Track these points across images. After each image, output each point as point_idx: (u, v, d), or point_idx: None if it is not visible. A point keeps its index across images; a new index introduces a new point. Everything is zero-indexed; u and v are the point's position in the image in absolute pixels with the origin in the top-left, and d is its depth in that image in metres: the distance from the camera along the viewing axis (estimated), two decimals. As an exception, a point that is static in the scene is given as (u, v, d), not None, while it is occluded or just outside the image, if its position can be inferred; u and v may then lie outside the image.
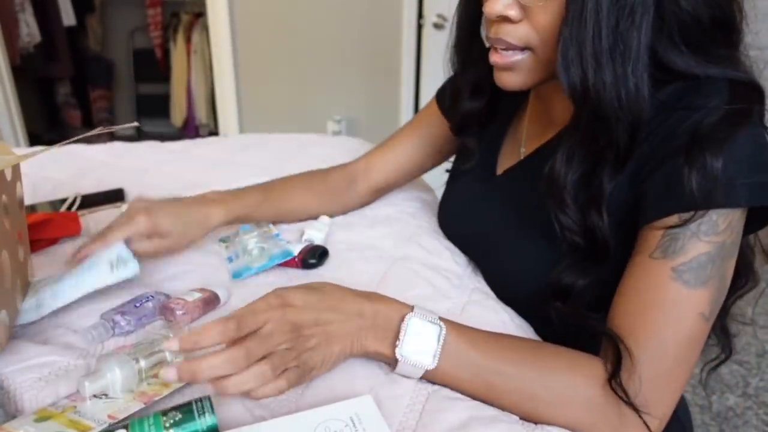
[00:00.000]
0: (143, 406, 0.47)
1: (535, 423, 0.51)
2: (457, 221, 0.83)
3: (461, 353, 0.52)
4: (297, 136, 1.35)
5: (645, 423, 0.49)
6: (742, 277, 0.61)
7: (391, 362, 0.52)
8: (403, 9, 2.33)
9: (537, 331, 0.66)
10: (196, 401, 0.45)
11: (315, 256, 0.73)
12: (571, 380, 0.51)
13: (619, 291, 0.54)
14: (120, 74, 4.01)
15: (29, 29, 3.13)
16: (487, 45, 0.62)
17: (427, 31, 2.24)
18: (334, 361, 0.51)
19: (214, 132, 3.63)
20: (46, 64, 3.47)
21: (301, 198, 0.87)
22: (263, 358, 0.45)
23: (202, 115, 3.73)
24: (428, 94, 2.39)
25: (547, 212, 0.58)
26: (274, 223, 0.84)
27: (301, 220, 0.87)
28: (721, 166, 0.48)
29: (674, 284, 0.50)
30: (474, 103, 0.76)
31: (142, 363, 0.50)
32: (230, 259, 0.74)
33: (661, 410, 0.50)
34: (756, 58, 0.56)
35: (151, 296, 0.62)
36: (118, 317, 0.59)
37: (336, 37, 2.44)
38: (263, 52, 2.46)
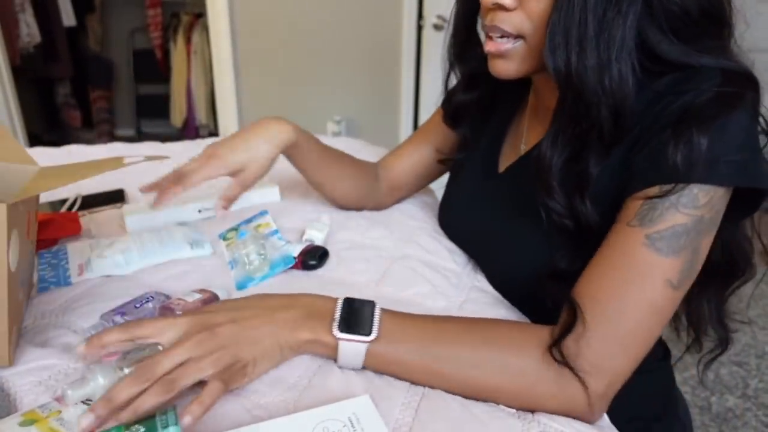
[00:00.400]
0: None
1: (484, 401, 0.51)
2: (459, 218, 0.84)
3: (398, 327, 0.52)
4: (297, 137, 1.35)
5: (584, 384, 0.49)
6: (740, 269, 0.62)
7: (331, 350, 0.52)
8: (403, 10, 2.33)
9: None
10: (159, 414, 0.44)
11: (315, 257, 0.73)
12: (509, 346, 0.52)
13: (593, 258, 0.54)
14: (120, 75, 4.01)
15: (29, 29, 3.13)
16: (483, 36, 0.64)
17: (427, 32, 2.25)
18: (270, 355, 0.51)
19: (214, 133, 3.63)
20: (46, 64, 3.47)
21: (341, 173, 0.87)
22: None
23: (202, 115, 3.73)
24: (428, 94, 2.41)
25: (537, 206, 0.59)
26: (309, 177, 0.85)
27: (325, 195, 0.89)
28: (706, 143, 0.49)
29: (645, 250, 0.50)
30: (468, 94, 0.79)
31: (126, 372, 0.48)
32: (231, 265, 0.74)
33: (612, 371, 0.50)
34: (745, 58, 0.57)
35: (151, 297, 0.62)
36: (118, 318, 0.59)
37: (336, 38, 2.44)
38: (263, 52, 2.46)
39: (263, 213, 0.86)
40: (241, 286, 0.69)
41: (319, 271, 0.73)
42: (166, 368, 0.45)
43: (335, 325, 0.51)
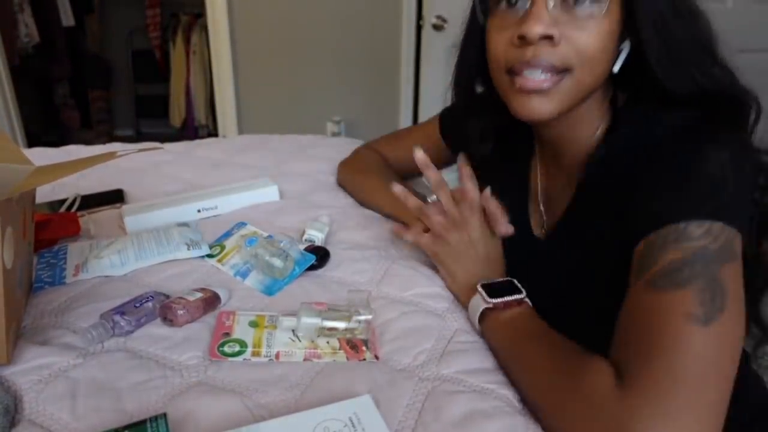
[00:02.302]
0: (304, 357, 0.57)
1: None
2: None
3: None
4: (296, 137, 1.35)
5: None
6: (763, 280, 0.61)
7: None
8: (402, 10, 2.33)
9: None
10: (150, 419, 0.44)
11: (317, 257, 0.73)
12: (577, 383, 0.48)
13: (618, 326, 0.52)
14: (119, 75, 4.01)
15: (28, 29, 3.13)
16: (504, 78, 0.61)
17: (427, 32, 2.24)
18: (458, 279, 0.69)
19: (213, 133, 3.63)
20: (44, 64, 3.47)
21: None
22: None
23: (201, 116, 3.73)
24: (427, 95, 2.41)
25: (595, 268, 0.60)
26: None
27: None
28: (682, 183, 0.51)
29: (649, 294, 0.48)
30: (484, 146, 0.77)
31: (325, 323, 0.58)
32: (244, 274, 0.72)
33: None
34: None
35: (151, 296, 0.62)
36: (117, 317, 0.58)
37: (335, 38, 2.44)
38: (262, 52, 2.46)
39: (242, 224, 0.83)
40: (269, 292, 0.68)
41: (319, 271, 0.73)
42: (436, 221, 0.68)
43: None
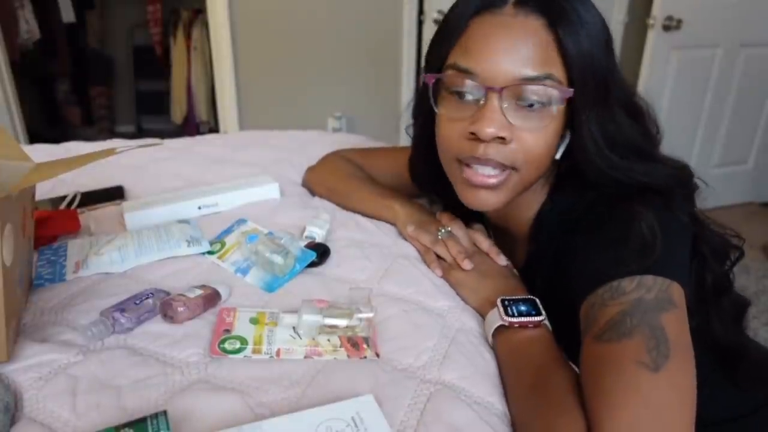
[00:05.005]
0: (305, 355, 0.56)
1: None
2: None
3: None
4: (297, 133, 1.35)
5: None
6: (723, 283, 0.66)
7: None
8: (403, 5, 2.33)
9: None
10: (151, 417, 0.44)
11: (317, 254, 0.73)
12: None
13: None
14: (120, 71, 4.00)
15: (28, 26, 3.12)
16: (455, 166, 0.64)
17: (428, 27, 2.24)
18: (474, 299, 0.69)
19: (214, 129, 3.62)
20: (45, 61, 3.46)
21: None
22: None
23: (202, 112, 3.72)
24: (429, 91, 2.39)
25: (553, 320, 0.61)
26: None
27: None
28: (605, 247, 0.56)
29: (599, 347, 0.50)
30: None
31: (326, 320, 0.57)
32: (244, 271, 0.72)
33: None
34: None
35: (151, 293, 0.62)
36: (117, 314, 0.58)
37: (337, 33, 2.43)
38: (263, 48, 2.45)
39: (243, 221, 0.83)
40: (270, 289, 0.68)
41: (320, 268, 0.73)
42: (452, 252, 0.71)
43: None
